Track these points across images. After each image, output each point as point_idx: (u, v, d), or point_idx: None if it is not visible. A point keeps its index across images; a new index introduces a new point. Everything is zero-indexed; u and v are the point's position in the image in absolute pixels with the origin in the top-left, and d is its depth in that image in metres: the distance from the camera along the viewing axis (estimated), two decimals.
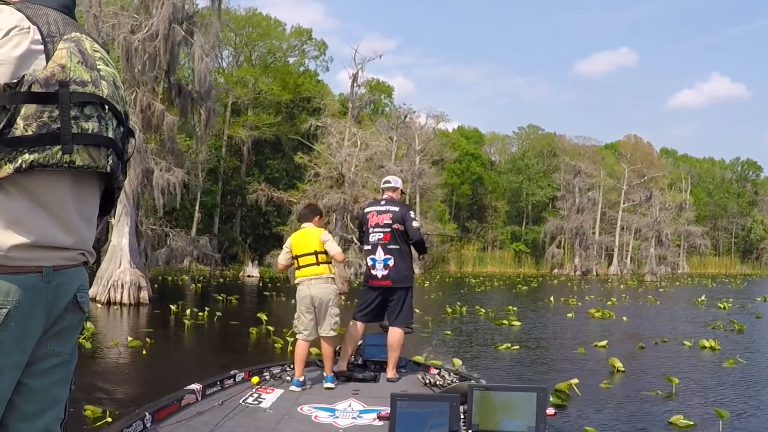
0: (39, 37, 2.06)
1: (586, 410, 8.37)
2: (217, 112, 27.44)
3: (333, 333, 7.08)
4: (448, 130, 78.75)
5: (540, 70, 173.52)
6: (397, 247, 7.45)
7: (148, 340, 12.98)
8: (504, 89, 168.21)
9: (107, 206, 2.46)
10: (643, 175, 71.69)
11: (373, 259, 7.49)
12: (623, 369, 11.25)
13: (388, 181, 8.02)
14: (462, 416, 4.49)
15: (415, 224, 7.49)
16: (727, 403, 8.94)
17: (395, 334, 7.38)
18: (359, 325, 7.59)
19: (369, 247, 7.57)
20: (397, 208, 7.57)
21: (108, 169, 2.24)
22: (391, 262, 7.40)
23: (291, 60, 62.01)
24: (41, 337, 2.14)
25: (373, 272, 7.48)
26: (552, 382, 9.42)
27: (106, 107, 2.24)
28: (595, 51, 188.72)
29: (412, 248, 7.70)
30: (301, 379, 6.95)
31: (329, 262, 7.16)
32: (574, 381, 9.20)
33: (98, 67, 2.24)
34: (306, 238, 7.20)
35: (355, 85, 36.96)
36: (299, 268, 7.15)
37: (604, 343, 14.41)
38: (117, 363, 11.12)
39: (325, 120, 35.55)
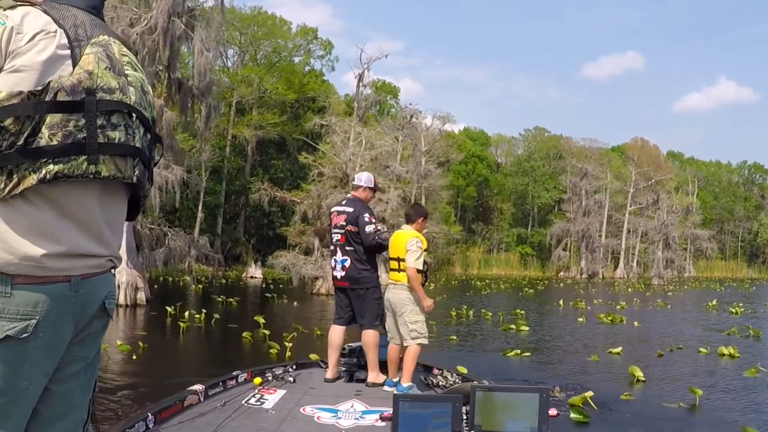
0: (65, 41, 2.01)
1: (604, 426, 7.79)
2: (218, 108, 26.81)
3: (411, 342, 6.78)
4: (454, 132, 78.56)
5: (547, 72, 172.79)
6: (352, 248, 7.26)
7: (140, 344, 12.42)
8: (511, 91, 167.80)
9: (132, 213, 2.41)
10: (649, 177, 71.19)
11: (335, 260, 7.37)
12: (643, 378, 10.66)
13: (353, 179, 7.87)
14: (464, 417, 4.49)
15: (368, 229, 7.20)
16: (754, 418, 8.41)
17: (366, 336, 7.18)
18: (337, 329, 7.34)
19: (332, 247, 7.47)
20: (352, 209, 7.32)
21: (134, 179, 2.19)
22: (347, 264, 7.25)
23: (296, 59, 61.71)
24: (71, 343, 2.13)
25: (334, 273, 7.39)
26: (566, 394, 8.86)
27: (134, 115, 2.18)
28: (603, 54, 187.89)
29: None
30: (394, 380, 6.86)
31: None
32: (589, 394, 8.58)
33: (126, 72, 2.18)
34: (396, 240, 7.01)
35: (360, 84, 36.51)
36: (389, 270, 7.05)
37: (618, 349, 13.83)
38: (103, 370, 10.46)
39: (329, 119, 35.05)
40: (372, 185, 7.64)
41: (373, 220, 7.31)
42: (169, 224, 28.92)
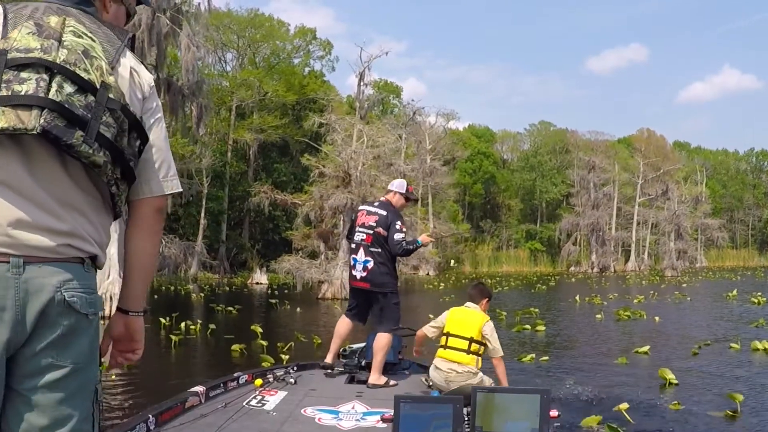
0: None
1: None
2: (210, 108, 25.85)
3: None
4: (458, 129, 78.00)
5: (551, 68, 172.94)
6: (378, 250, 7.24)
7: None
8: (516, 88, 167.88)
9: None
10: (657, 168, 70.37)
11: (355, 259, 7.31)
12: (675, 381, 9.69)
13: (391, 184, 7.93)
14: (465, 418, 4.49)
15: (397, 237, 7.20)
16: None
17: (379, 339, 7.09)
18: (346, 321, 7.45)
19: (354, 245, 7.39)
20: (384, 212, 7.35)
21: (39, 130, 1.97)
22: (370, 265, 7.19)
23: (296, 61, 61.11)
24: (38, 347, 1.97)
25: (353, 272, 7.33)
26: (598, 406, 7.91)
27: (54, 70, 2.02)
28: (606, 47, 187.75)
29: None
30: None
31: (479, 355, 6.50)
32: (624, 406, 7.64)
33: (63, 38, 2.07)
34: (468, 318, 6.65)
35: (362, 83, 35.76)
36: (444, 347, 6.54)
37: (645, 348, 12.83)
38: None
39: (329, 117, 34.33)
40: (403, 191, 7.63)
41: (404, 229, 7.31)
42: (171, 232, 28.13)
